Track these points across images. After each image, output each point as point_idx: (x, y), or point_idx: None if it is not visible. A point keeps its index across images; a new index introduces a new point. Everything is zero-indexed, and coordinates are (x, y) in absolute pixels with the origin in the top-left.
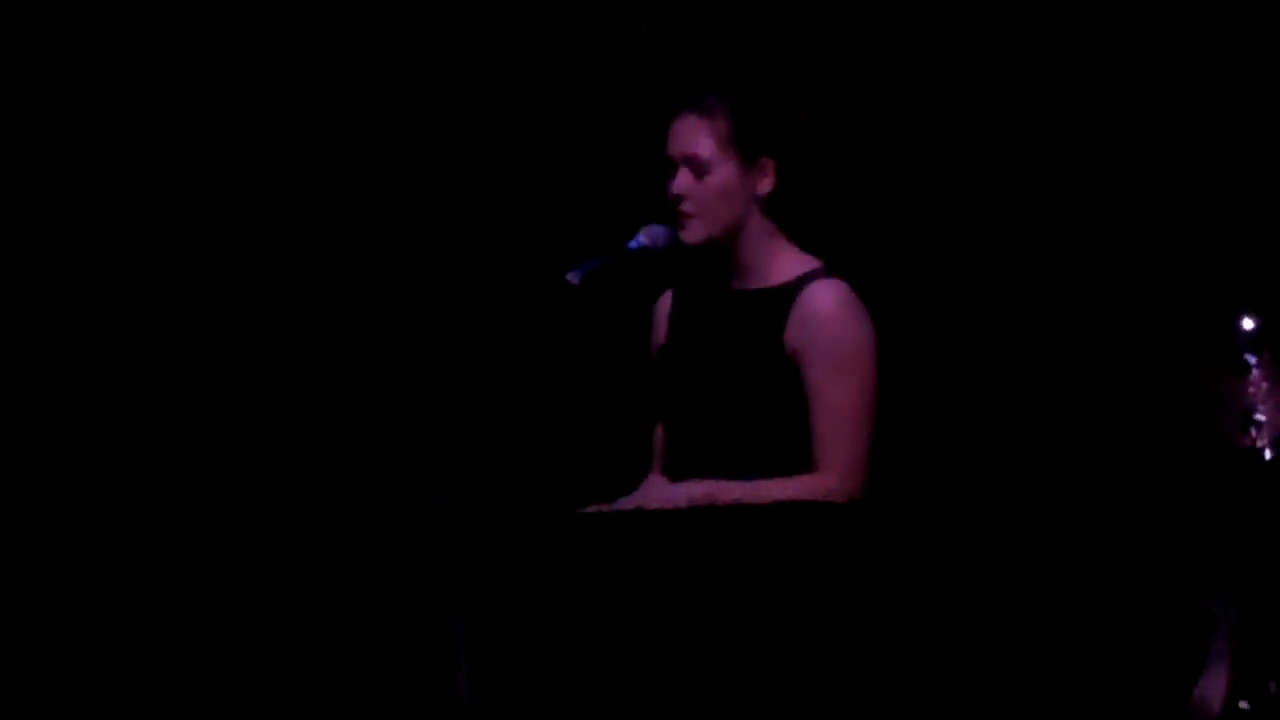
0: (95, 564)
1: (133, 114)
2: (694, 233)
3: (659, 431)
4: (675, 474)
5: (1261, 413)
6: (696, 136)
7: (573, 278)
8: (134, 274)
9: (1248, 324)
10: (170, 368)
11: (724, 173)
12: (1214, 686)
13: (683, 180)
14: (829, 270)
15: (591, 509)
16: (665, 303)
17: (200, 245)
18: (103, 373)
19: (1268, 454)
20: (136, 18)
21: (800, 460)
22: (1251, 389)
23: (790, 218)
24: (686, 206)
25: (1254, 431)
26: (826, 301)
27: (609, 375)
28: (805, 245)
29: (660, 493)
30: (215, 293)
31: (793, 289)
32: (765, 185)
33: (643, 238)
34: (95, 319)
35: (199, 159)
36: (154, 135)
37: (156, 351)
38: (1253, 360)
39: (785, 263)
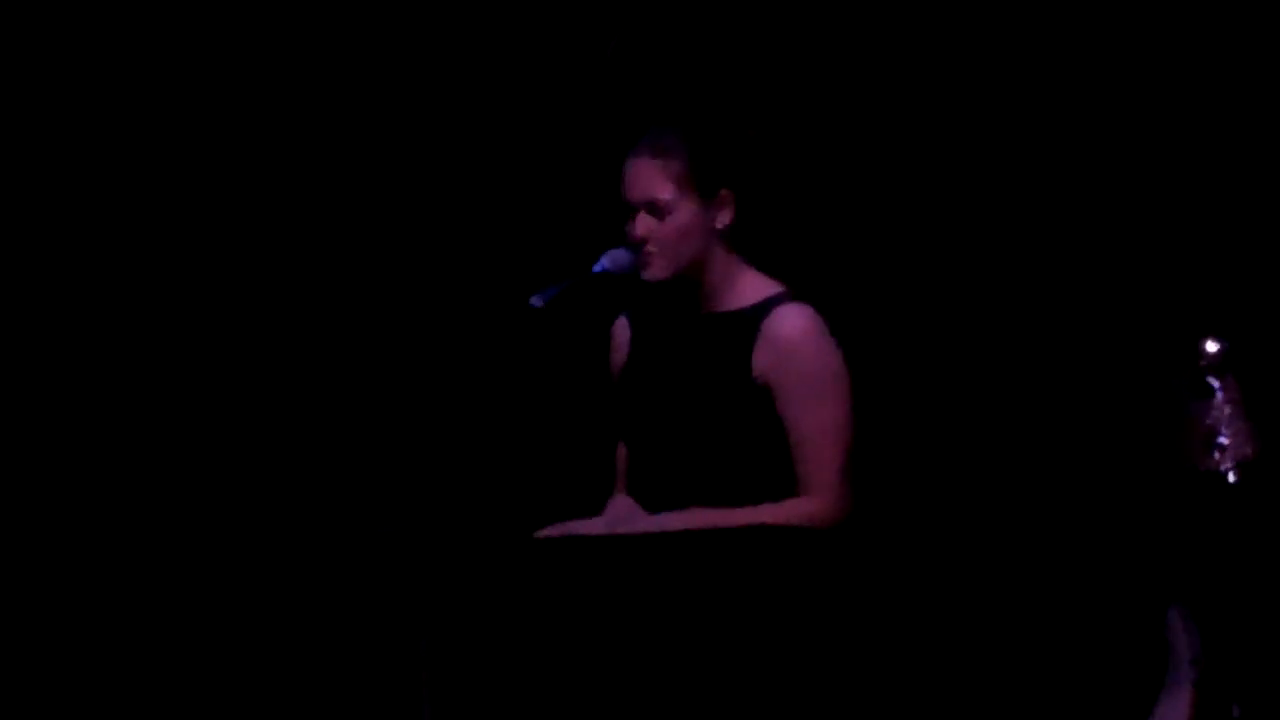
0: (49, 589)
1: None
2: (657, 270)
3: (621, 452)
4: (639, 496)
5: (1225, 436)
6: (653, 180)
7: (536, 301)
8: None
9: (1212, 347)
10: (126, 386)
11: (683, 213)
12: (1176, 711)
13: (644, 223)
14: (792, 294)
15: (555, 530)
16: (622, 326)
17: (154, 261)
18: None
19: (1232, 477)
20: (125, 19)
21: (766, 483)
22: (1215, 412)
23: (751, 243)
24: (650, 247)
25: (1218, 455)
26: (796, 327)
27: (573, 398)
28: (766, 269)
29: (638, 518)
30: (175, 311)
31: (758, 313)
32: (725, 217)
33: (605, 261)
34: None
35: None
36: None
37: (114, 366)
38: (1216, 384)
39: (748, 287)
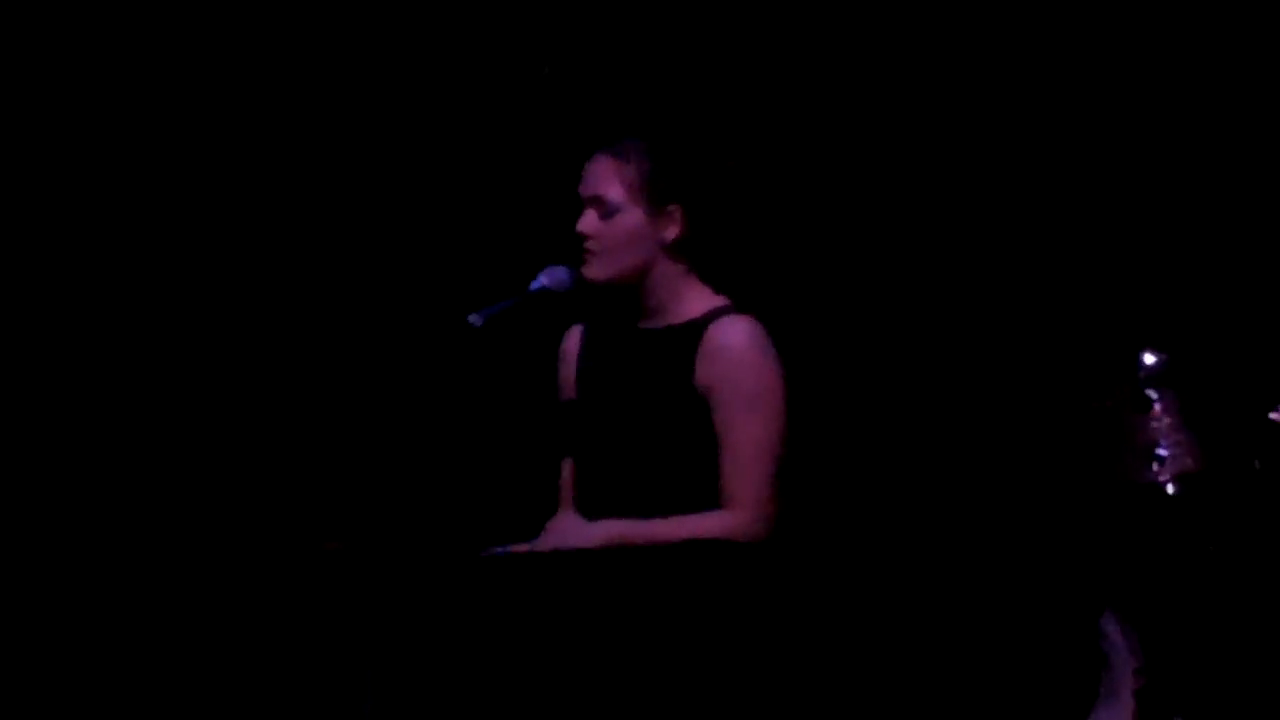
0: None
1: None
2: (595, 270)
3: (567, 469)
4: (587, 511)
5: (1164, 449)
6: (606, 179)
7: (474, 320)
8: None
9: (1150, 360)
10: (62, 398)
11: (630, 218)
12: None
13: (589, 220)
14: (737, 308)
15: (501, 550)
16: (573, 339)
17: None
18: None
19: (1170, 490)
20: (106, 22)
21: (711, 496)
22: (1154, 425)
23: (700, 257)
24: (590, 245)
25: (1157, 468)
26: (735, 338)
27: (513, 417)
28: (715, 283)
29: (573, 533)
30: (120, 324)
31: (700, 325)
32: (672, 232)
33: (544, 279)
34: None
35: None
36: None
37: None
38: (1155, 396)
39: (693, 301)
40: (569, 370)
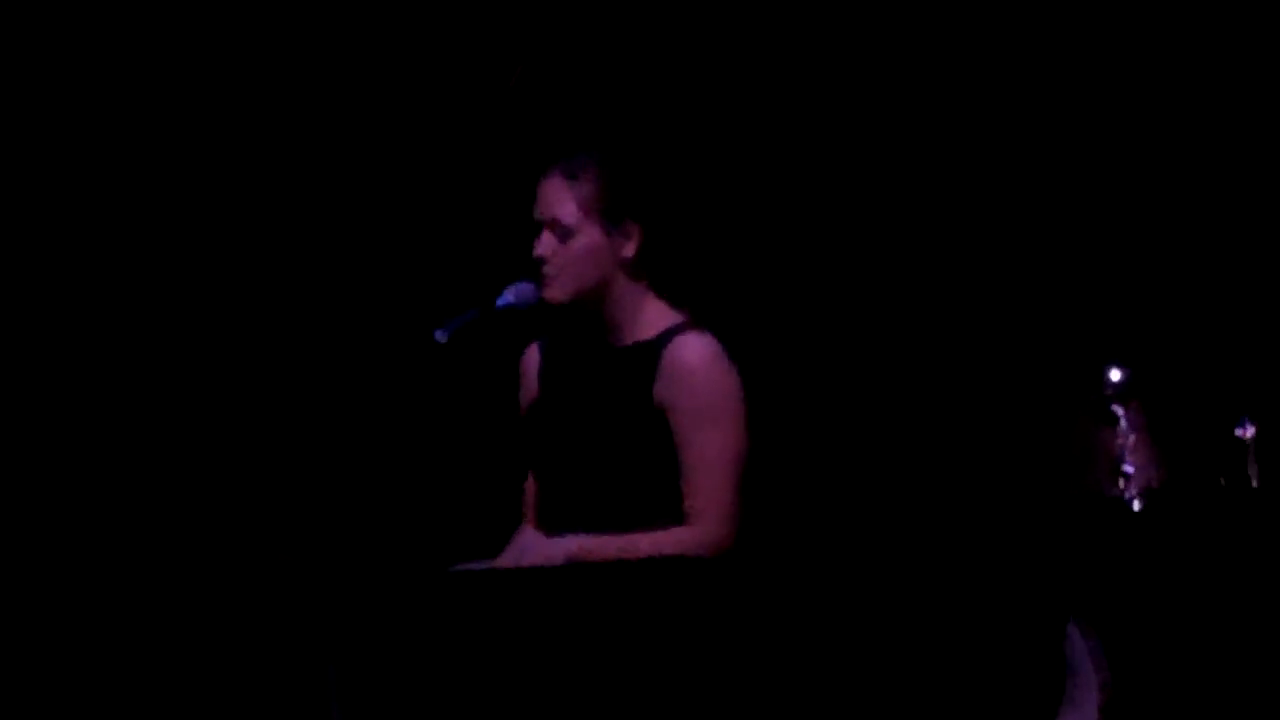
0: None
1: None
2: (555, 292)
3: (530, 485)
4: (550, 527)
5: (1130, 463)
6: (560, 201)
7: (440, 336)
8: None
9: (1116, 375)
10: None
11: (586, 238)
12: None
13: (546, 242)
14: (695, 322)
15: (464, 566)
16: (533, 356)
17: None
18: None
19: (1136, 505)
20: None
21: (673, 512)
22: (1120, 440)
23: (657, 272)
24: (549, 268)
25: (1122, 482)
26: (692, 354)
27: (478, 432)
28: (673, 298)
29: (536, 550)
30: (81, 334)
31: (659, 343)
32: (629, 249)
33: (509, 295)
34: None
35: None
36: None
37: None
38: (1121, 411)
39: (652, 317)
40: (530, 387)
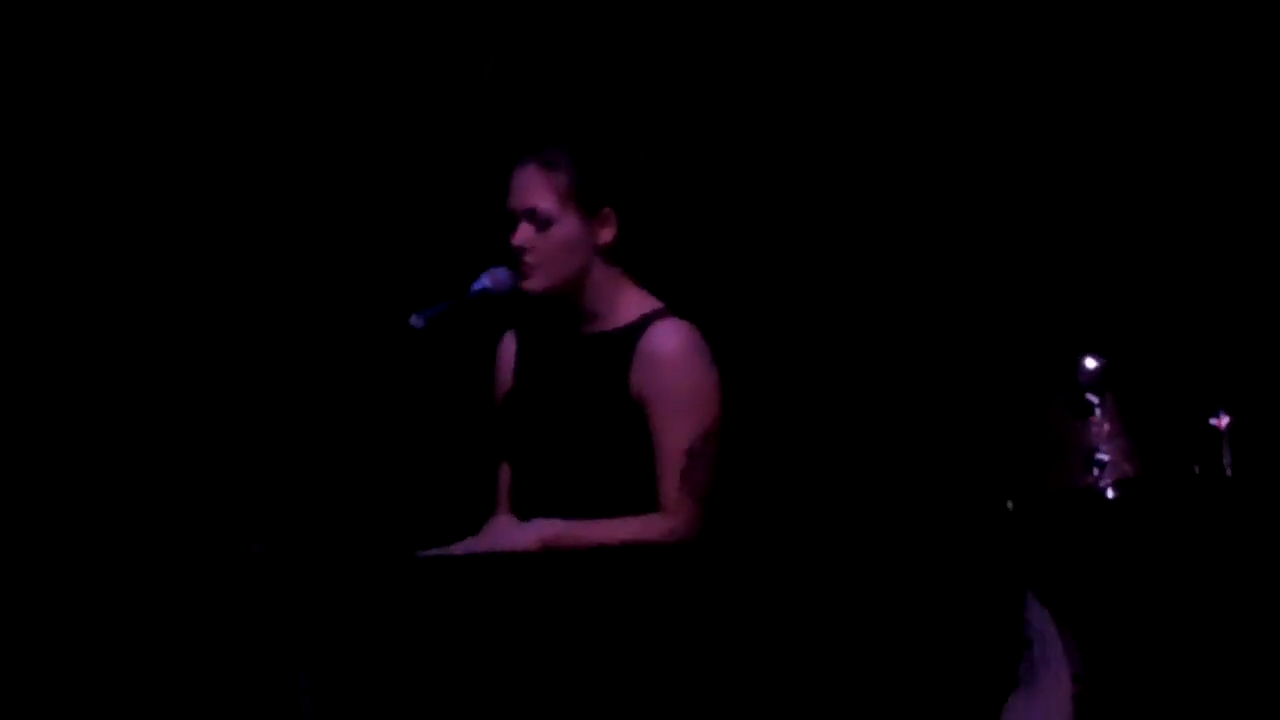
0: None
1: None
2: (536, 282)
3: (504, 472)
4: (523, 514)
5: (1104, 453)
6: (537, 190)
7: (415, 321)
8: None
9: (1091, 364)
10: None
11: (565, 226)
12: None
13: (524, 233)
14: (671, 311)
15: (436, 552)
16: (509, 343)
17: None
18: None
19: (1110, 494)
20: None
21: (646, 499)
22: (1094, 429)
23: (633, 260)
24: (529, 258)
25: (1097, 472)
26: (668, 343)
27: (453, 418)
28: (650, 285)
29: (509, 535)
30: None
31: (635, 331)
32: (607, 235)
33: (485, 281)
34: None
35: None
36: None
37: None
38: (1096, 401)
39: (628, 305)
40: (505, 374)
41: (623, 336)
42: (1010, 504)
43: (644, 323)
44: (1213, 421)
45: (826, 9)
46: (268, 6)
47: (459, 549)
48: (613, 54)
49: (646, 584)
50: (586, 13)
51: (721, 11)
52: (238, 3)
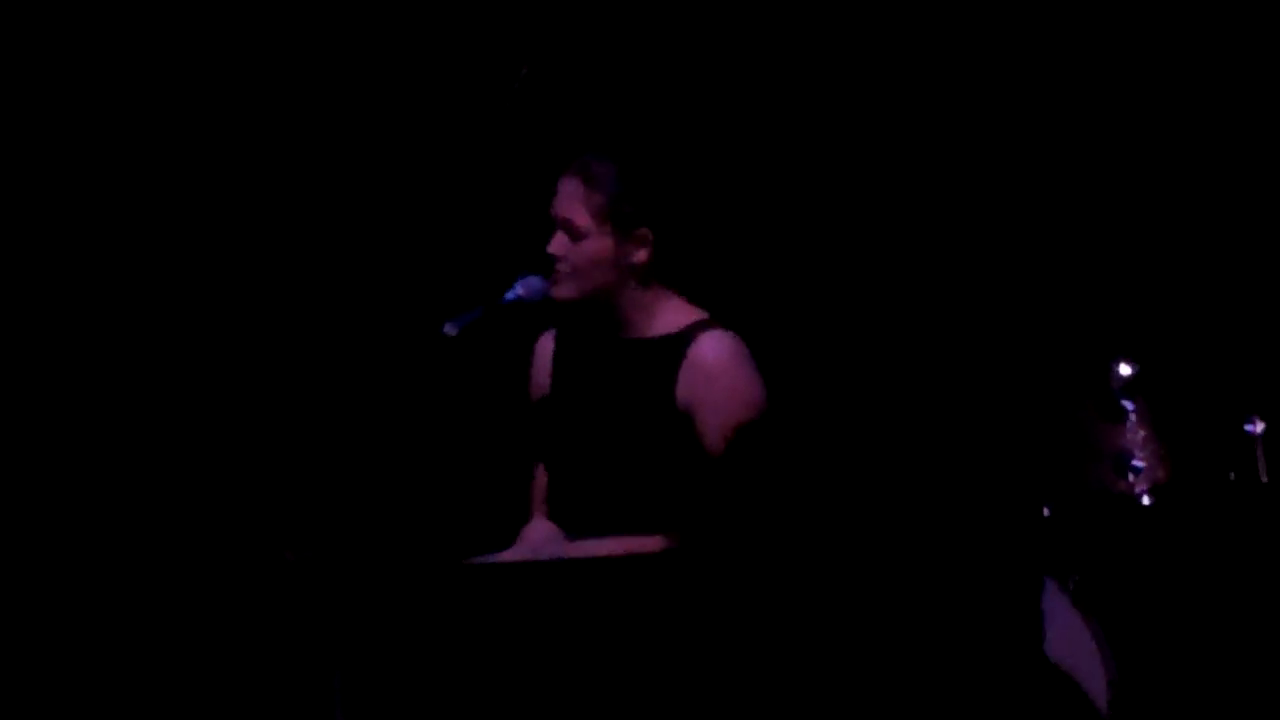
0: None
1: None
2: (565, 290)
3: (539, 475)
4: (560, 520)
5: (1139, 459)
6: (575, 204)
7: (449, 329)
8: None
9: (1124, 370)
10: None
11: (597, 243)
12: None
13: (558, 241)
14: (716, 322)
15: (478, 559)
16: (547, 344)
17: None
18: None
19: (1144, 500)
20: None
21: (685, 506)
22: (1128, 435)
23: (670, 278)
24: (561, 266)
25: (1131, 478)
26: (719, 354)
27: (487, 425)
28: (690, 297)
29: (567, 547)
30: (79, 327)
31: (683, 339)
32: (641, 256)
33: (519, 289)
34: None
35: None
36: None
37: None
38: (1130, 406)
39: (671, 314)
40: (542, 374)
41: (666, 344)
42: (1046, 510)
43: (690, 332)
44: (1247, 427)
45: (863, 24)
46: (307, 13)
47: (497, 557)
48: (648, 60)
49: (694, 590)
50: (621, 20)
51: (759, 30)
52: (274, 11)
